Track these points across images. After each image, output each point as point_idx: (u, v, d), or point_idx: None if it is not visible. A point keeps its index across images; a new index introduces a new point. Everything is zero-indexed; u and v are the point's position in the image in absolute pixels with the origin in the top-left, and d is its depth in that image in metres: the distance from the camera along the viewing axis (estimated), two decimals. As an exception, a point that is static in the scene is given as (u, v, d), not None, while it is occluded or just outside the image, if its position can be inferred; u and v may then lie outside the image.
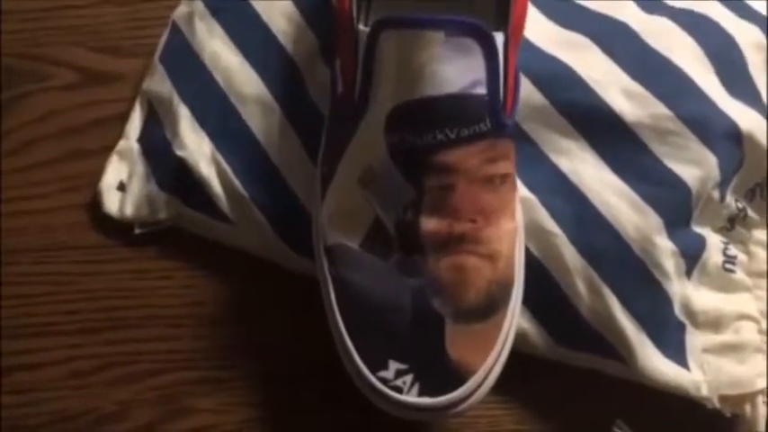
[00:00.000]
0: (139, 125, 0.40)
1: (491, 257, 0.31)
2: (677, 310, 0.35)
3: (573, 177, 0.35)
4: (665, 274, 0.34)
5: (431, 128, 0.30)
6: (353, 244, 0.32)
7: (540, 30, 0.37)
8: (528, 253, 0.34)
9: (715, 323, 0.36)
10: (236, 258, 0.38)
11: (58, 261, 0.39)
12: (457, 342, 0.31)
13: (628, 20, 0.37)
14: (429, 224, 0.31)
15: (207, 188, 0.37)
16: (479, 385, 0.31)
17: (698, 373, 0.35)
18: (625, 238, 0.34)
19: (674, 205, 0.35)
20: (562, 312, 0.35)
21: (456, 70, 0.30)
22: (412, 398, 0.31)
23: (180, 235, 0.39)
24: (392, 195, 0.31)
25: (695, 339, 0.35)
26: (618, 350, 0.34)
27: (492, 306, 0.31)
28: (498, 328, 0.32)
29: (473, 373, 0.31)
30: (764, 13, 0.40)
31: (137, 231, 0.38)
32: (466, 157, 0.31)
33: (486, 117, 0.30)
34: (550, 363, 0.36)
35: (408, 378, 0.31)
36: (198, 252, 0.39)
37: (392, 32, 0.29)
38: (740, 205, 0.37)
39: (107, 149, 0.41)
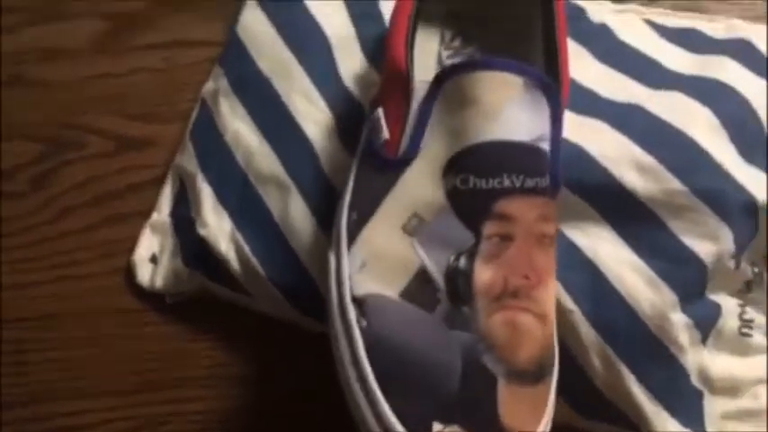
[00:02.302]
0: (171, 200, 0.39)
1: (542, 318, 0.28)
2: (694, 379, 0.33)
3: (589, 253, 0.33)
4: (680, 348, 0.32)
5: (499, 172, 0.28)
6: (391, 293, 0.28)
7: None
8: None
9: (732, 389, 0.34)
10: (264, 320, 0.37)
11: (97, 325, 0.39)
12: (510, 405, 0.27)
13: (639, 100, 0.35)
14: (484, 274, 0.27)
15: (227, 265, 0.36)
16: None
17: (717, 440, 0.32)
18: (640, 315, 0.32)
19: (689, 280, 0.33)
20: (580, 384, 0.33)
21: (529, 119, 0.28)
22: None
23: (210, 298, 0.38)
24: (444, 241, 0.28)
25: (713, 406, 0.33)
26: (635, 422, 0.32)
27: (543, 369, 0.28)
28: (548, 392, 0.28)
29: None
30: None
31: (168, 301, 0.38)
32: (527, 209, 0.28)
33: (546, 173, 0.29)
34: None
35: None
36: (227, 314, 0.38)
37: (469, 73, 0.28)
38: (756, 270, 0.35)
39: (142, 214, 0.40)
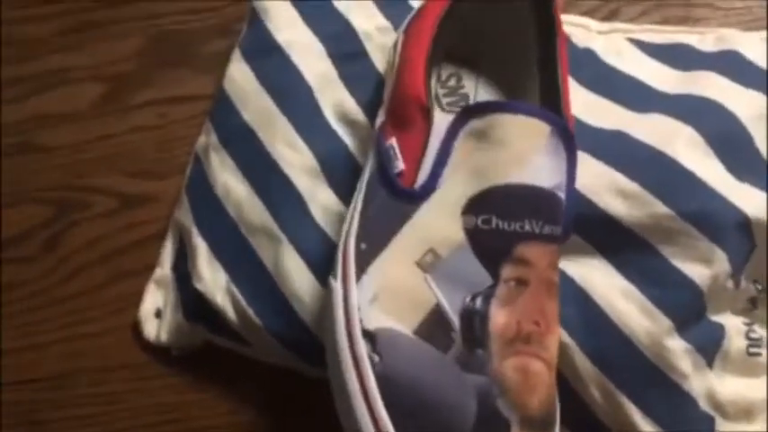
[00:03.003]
0: (172, 254, 0.39)
1: (550, 366, 0.28)
2: (703, 405, 0.32)
3: (581, 282, 0.32)
4: (682, 374, 0.31)
5: (522, 216, 0.28)
6: (405, 329, 0.27)
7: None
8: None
9: (746, 412, 0.32)
10: (270, 367, 0.37)
11: (109, 381, 0.39)
12: None
13: (624, 126, 0.34)
14: (500, 317, 0.27)
15: (225, 317, 0.36)
16: None
17: (733, 467, 0.31)
18: (636, 344, 0.31)
19: (685, 305, 0.31)
20: (583, 418, 0.32)
21: (551, 167, 0.28)
22: None
23: (216, 348, 0.38)
24: (459, 280, 0.27)
25: (728, 431, 0.32)
26: (643, 453, 0.31)
27: (552, 417, 0.28)
28: None
29: None
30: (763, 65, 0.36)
31: (174, 353, 0.38)
32: (541, 255, 0.28)
33: (560, 222, 0.28)
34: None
35: None
36: (233, 363, 0.38)
37: (498, 114, 0.28)
38: (759, 286, 0.33)
39: (149, 269, 0.40)
